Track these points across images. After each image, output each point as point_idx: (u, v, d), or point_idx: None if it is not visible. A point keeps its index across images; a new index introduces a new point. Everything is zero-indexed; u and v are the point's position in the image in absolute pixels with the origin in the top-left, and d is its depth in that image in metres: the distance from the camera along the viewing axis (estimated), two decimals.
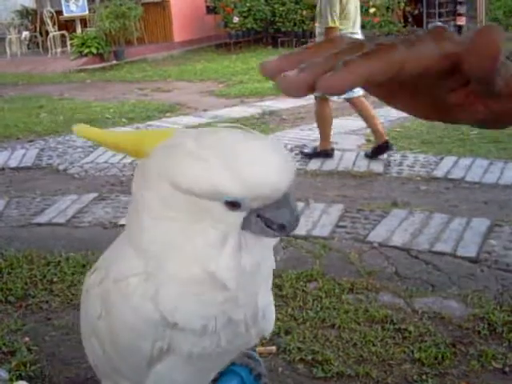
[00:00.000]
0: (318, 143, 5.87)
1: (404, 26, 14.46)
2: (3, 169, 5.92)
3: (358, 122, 7.05)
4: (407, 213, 4.40)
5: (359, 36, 6.34)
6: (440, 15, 15.28)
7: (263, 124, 7.29)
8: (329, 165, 5.60)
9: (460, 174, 5.18)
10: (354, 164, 5.60)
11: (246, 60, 13.23)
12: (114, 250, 0.87)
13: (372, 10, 14.08)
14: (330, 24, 5.49)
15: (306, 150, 5.94)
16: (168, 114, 8.23)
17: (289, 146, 6.17)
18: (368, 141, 6.29)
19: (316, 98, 5.67)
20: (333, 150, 5.84)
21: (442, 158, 5.60)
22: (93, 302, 0.74)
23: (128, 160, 5.93)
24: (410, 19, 15.16)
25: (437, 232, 4.04)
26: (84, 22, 14.98)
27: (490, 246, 3.80)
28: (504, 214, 4.32)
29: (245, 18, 14.98)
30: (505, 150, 5.81)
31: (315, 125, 5.94)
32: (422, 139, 6.29)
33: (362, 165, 5.56)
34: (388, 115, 7.30)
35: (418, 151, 5.89)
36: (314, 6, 6.62)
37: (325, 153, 5.78)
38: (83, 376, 2.77)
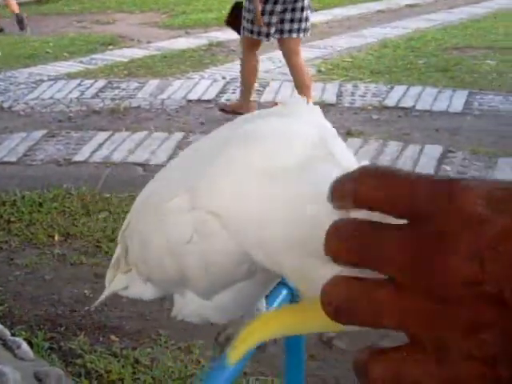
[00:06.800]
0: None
1: None
2: None
3: (309, 53, 7.01)
4: (362, 142, 4.46)
5: None
6: None
7: (212, 56, 7.14)
8: (280, 96, 5.58)
9: (410, 103, 5.26)
10: None
11: None
12: (198, 167, 0.68)
13: None
14: None
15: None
16: (111, 47, 7.94)
17: (239, 79, 6.08)
18: (319, 71, 6.27)
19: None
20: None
21: (392, 88, 5.66)
22: (179, 227, 0.70)
23: (74, 95, 5.74)
24: None
25: (392, 159, 4.12)
26: None
27: (444, 171, 3.92)
28: (455, 141, 4.45)
29: None
30: (452, 78, 5.91)
31: (267, 54, 5.84)
32: (372, 69, 6.31)
33: (315, 96, 5.55)
34: (336, 45, 7.29)
35: (369, 81, 5.93)
36: None
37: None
38: (53, 312, 2.75)
